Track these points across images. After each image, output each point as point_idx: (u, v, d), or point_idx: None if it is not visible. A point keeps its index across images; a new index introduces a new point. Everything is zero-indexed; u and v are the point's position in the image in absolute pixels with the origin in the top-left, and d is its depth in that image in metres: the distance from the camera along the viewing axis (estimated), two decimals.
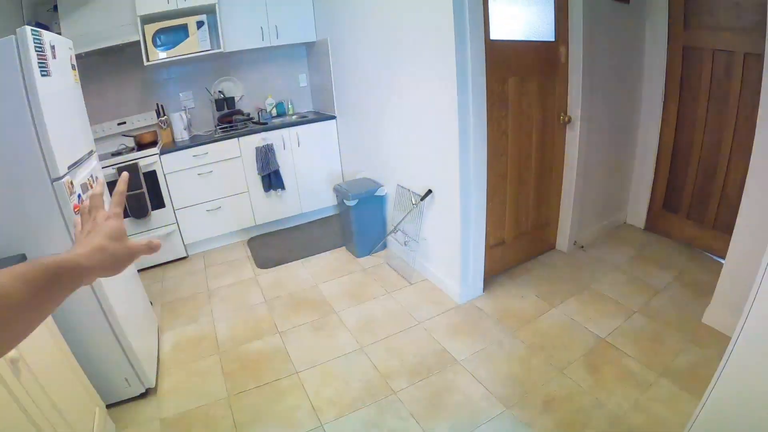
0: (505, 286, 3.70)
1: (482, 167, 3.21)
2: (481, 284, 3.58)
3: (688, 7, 3.71)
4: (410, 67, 3.43)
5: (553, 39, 3.54)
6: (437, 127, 3.25)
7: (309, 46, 5.27)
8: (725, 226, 3.81)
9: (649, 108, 4.18)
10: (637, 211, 4.57)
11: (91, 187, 2.65)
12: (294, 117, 5.26)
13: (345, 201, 4.13)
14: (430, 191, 3.53)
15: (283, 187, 4.85)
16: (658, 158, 4.27)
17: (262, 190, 4.79)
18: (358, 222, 4.18)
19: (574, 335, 3.10)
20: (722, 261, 3.81)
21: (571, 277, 3.78)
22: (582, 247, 4.22)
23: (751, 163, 2.81)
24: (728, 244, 3.66)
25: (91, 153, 2.92)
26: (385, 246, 4.40)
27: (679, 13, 3.77)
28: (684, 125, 4.01)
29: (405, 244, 3.92)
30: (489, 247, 3.56)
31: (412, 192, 3.75)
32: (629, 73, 4.06)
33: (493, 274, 3.75)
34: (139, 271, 4.22)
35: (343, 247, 4.55)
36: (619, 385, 2.68)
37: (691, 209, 4.17)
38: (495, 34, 3.13)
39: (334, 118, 5.00)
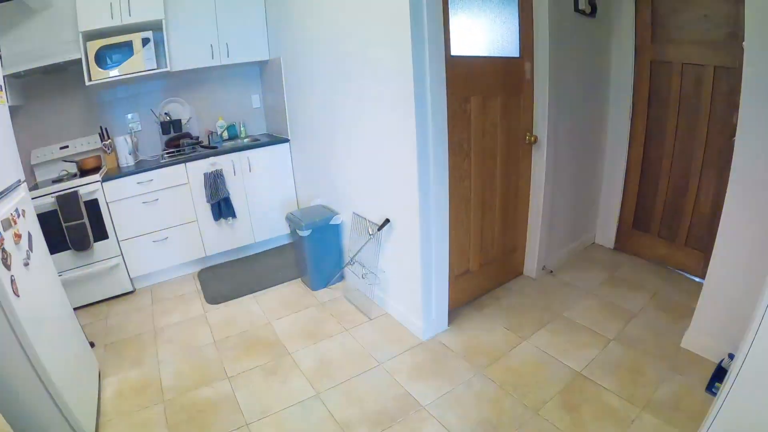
0: (472, 319, 3.44)
1: (443, 193, 2.98)
2: (445, 318, 3.32)
3: (656, 21, 3.63)
4: (365, 87, 3.19)
5: (517, 55, 3.37)
6: (394, 150, 3.02)
7: (262, 64, 5.00)
8: (698, 244, 3.79)
9: (616, 125, 4.07)
10: (606, 231, 4.45)
11: (14, 222, 2.31)
12: (246, 140, 4.98)
13: (298, 231, 3.83)
14: (387, 220, 3.28)
15: (234, 216, 4.53)
16: (626, 176, 4.17)
17: (212, 218, 4.46)
18: (313, 253, 3.89)
19: (548, 370, 2.88)
20: (696, 279, 3.81)
21: (542, 305, 3.57)
22: (551, 271, 4.03)
23: (730, 180, 2.69)
24: (702, 262, 3.68)
25: (19, 182, 2.58)
26: (342, 277, 4.12)
27: (646, 27, 3.69)
28: (653, 141, 3.92)
29: (363, 277, 3.65)
30: (453, 278, 3.32)
31: (369, 221, 3.49)
32: (596, 89, 3.95)
33: (458, 306, 3.50)
34: (81, 308, 3.91)
35: (299, 279, 4.25)
36: (599, 424, 2.48)
37: (662, 227, 4.07)
38: (456, 50, 2.93)
39: (287, 141, 4.73)
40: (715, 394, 2.62)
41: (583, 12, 3.56)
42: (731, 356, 2.77)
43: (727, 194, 2.71)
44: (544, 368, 2.90)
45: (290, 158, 4.79)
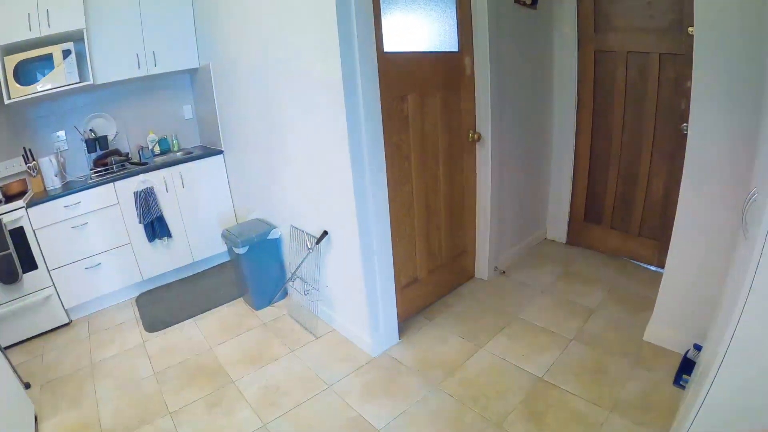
0: (424, 329, 3.24)
1: (383, 199, 2.77)
2: (395, 331, 3.10)
3: (598, 10, 3.59)
4: (295, 89, 2.96)
5: (456, 50, 3.18)
6: (328, 156, 2.79)
7: (193, 73, 4.69)
8: (652, 233, 3.76)
9: (561, 117, 3.99)
10: (558, 226, 4.36)
11: None
12: (179, 154, 4.65)
13: (234, 248, 3.55)
14: (326, 233, 3.04)
15: (169, 235, 4.22)
16: (575, 168, 4.08)
17: (146, 240, 4.13)
18: (252, 270, 3.61)
19: (509, 378, 2.72)
20: (652, 269, 3.78)
21: (496, 308, 3.40)
22: (503, 272, 3.87)
23: (684, 167, 2.65)
24: (657, 251, 3.71)
25: None
26: (286, 293, 3.85)
27: (588, 17, 3.64)
28: (600, 132, 3.86)
29: (305, 293, 3.39)
30: (400, 288, 3.10)
31: (308, 234, 3.24)
32: (539, 81, 3.84)
33: (408, 317, 3.29)
34: (14, 345, 3.60)
35: (241, 299, 3.96)
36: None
37: (614, 218, 4.01)
38: (390, 46, 2.71)
39: (221, 152, 4.45)
40: (683, 387, 2.60)
41: (523, 3, 3.45)
42: (697, 347, 2.71)
43: (682, 182, 2.66)
44: (503, 377, 2.74)
45: (225, 170, 4.51)
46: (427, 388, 2.69)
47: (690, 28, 2.55)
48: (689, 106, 2.53)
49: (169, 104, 4.79)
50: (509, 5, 3.35)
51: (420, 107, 2.97)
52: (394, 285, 2.99)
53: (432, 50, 3.08)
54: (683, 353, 2.81)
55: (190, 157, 4.38)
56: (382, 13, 2.64)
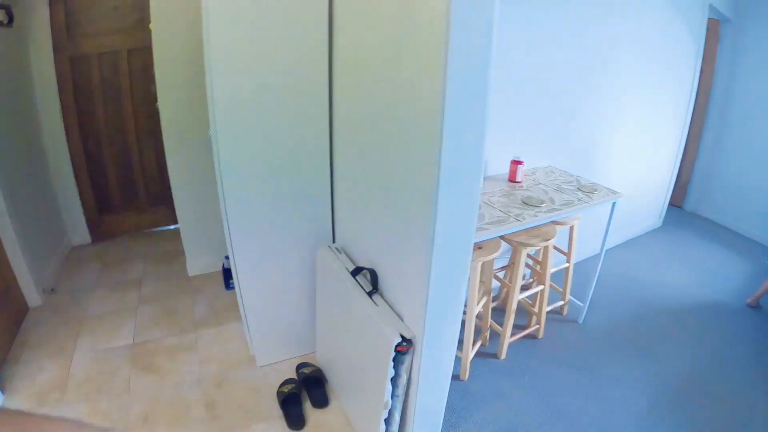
0: (15, 374, 2.92)
1: None
2: None
3: (70, 19, 3.69)
4: None
5: None
6: None
7: None
8: (160, 200, 4.34)
9: (50, 126, 3.88)
10: (79, 230, 4.32)
11: None
12: None
13: None
14: None
15: None
16: (75, 170, 4.07)
17: None
18: None
19: (110, 361, 2.97)
20: (172, 227, 4.46)
21: (63, 321, 3.33)
22: (53, 290, 3.72)
23: (164, 137, 3.36)
24: (169, 212, 4.28)
25: None
26: None
27: (61, 27, 3.70)
28: (89, 129, 4.04)
29: None
30: None
31: None
32: (25, 97, 3.68)
33: None
34: None
35: None
36: (180, 360, 2.95)
37: (124, 201, 4.37)
38: None
39: None
40: (233, 287, 3.38)
41: (1, 23, 3.25)
42: (227, 257, 3.52)
43: (166, 152, 3.39)
44: (106, 362, 2.94)
45: None
46: (55, 410, 2.64)
47: (150, 24, 3.07)
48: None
49: None
50: None
51: None
52: None
53: None
54: (221, 267, 3.63)
55: None
56: None
